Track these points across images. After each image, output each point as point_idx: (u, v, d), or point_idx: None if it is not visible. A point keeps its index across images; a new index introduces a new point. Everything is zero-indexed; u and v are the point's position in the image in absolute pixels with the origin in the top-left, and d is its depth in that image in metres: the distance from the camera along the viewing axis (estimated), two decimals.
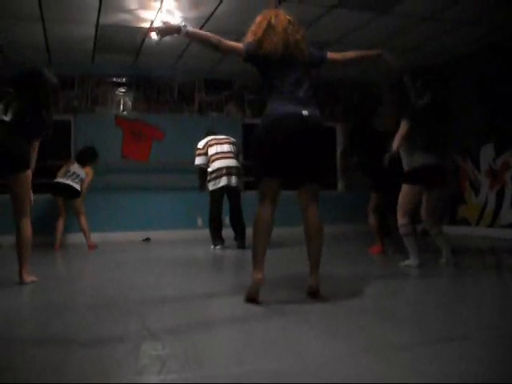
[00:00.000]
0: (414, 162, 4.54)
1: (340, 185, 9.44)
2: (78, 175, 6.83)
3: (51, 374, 1.88)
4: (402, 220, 4.54)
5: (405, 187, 4.54)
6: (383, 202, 5.53)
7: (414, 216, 4.68)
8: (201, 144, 6.63)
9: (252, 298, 3.03)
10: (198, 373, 1.89)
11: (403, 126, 4.56)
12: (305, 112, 3.06)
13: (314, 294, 3.12)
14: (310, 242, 3.18)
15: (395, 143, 4.55)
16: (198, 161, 6.61)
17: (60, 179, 6.79)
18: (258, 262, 3.06)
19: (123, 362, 2.00)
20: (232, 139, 6.75)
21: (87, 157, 7.09)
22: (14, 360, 2.10)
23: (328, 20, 6.42)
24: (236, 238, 6.48)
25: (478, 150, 7.79)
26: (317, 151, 3.15)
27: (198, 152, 6.62)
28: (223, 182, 6.31)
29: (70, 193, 6.74)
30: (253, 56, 3.17)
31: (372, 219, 5.64)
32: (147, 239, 7.96)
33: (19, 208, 3.84)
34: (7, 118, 3.77)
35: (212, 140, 6.59)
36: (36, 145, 3.94)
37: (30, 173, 3.86)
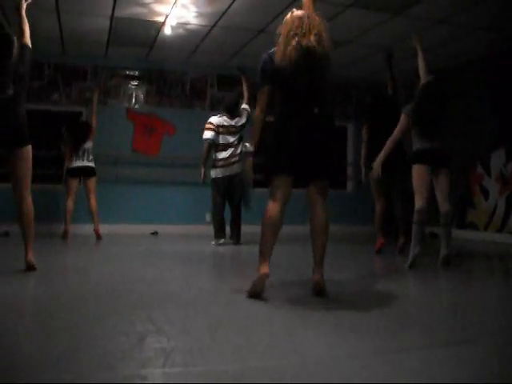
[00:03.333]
0: (414, 147, 4.77)
1: (349, 185, 9.41)
2: (89, 149, 6.86)
3: (56, 365, 1.89)
4: (418, 204, 4.55)
5: (412, 170, 4.68)
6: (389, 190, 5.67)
7: (429, 210, 4.60)
8: (214, 120, 6.35)
9: (257, 293, 3.04)
10: (201, 367, 1.89)
11: (403, 119, 4.79)
12: (315, 110, 3.08)
13: (320, 291, 3.11)
14: (315, 237, 3.21)
15: (394, 135, 4.81)
16: (207, 135, 6.30)
17: (77, 163, 6.79)
18: (264, 257, 3.09)
19: (127, 354, 2.00)
20: (240, 123, 6.35)
21: (87, 130, 6.99)
22: (20, 350, 2.11)
23: (343, 19, 6.38)
24: (232, 232, 6.46)
25: (489, 155, 7.74)
26: (327, 147, 3.16)
27: (208, 126, 6.33)
28: (226, 171, 6.27)
29: (88, 172, 6.84)
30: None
31: (378, 207, 5.70)
32: (155, 233, 7.98)
33: (20, 185, 3.83)
34: (10, 92, 3.75)
35: (223, 126, 6.31)
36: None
37: (30, 148, 3.86)
